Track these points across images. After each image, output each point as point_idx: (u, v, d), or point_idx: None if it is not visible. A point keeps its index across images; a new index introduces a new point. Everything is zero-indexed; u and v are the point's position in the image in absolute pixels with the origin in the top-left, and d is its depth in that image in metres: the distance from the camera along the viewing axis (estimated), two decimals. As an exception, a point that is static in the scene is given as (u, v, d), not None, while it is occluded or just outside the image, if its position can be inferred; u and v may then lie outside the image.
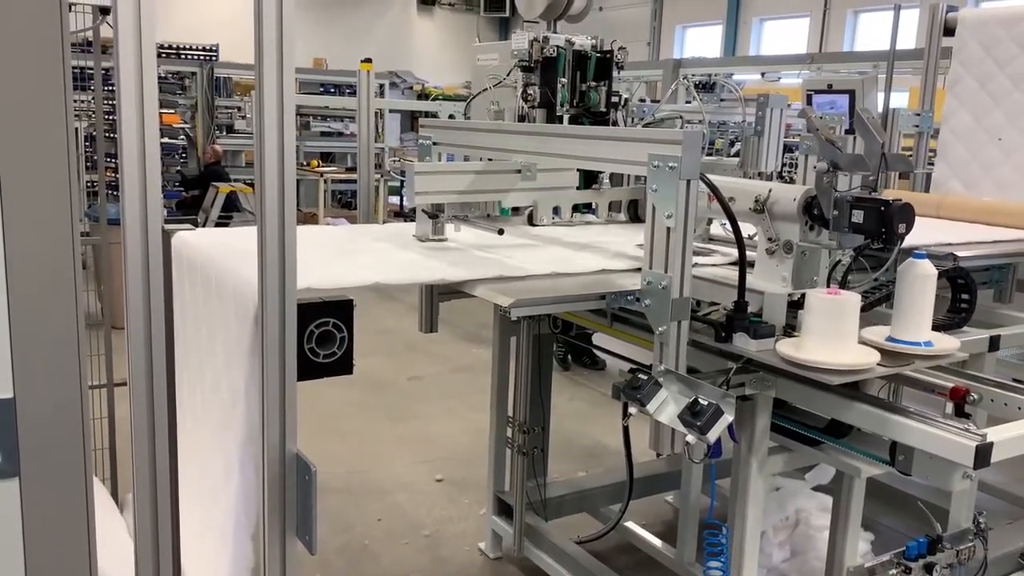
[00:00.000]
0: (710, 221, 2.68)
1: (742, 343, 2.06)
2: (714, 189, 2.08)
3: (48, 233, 1.22)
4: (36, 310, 1.22)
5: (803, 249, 2.14)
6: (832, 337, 1.95)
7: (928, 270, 2.06)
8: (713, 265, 2.46)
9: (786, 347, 1.99)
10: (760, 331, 2.05)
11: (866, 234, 2.01)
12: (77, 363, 1.26)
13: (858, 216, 2.00)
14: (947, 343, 2.10)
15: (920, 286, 2.06)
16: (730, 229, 2.60)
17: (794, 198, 2.12)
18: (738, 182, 2.37)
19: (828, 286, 2.20)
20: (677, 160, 1.89)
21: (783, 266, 2.16)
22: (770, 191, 2.18)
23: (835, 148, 2.07)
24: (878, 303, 2.32)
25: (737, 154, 3.14)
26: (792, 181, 2.56)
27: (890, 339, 2.07)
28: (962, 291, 2.46)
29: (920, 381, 2.20)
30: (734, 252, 2.53)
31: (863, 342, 2.04)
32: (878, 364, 1.96)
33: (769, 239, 2.19)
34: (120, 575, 2.05)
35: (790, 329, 2.11)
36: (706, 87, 7.03)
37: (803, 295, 2.07)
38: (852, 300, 1.97)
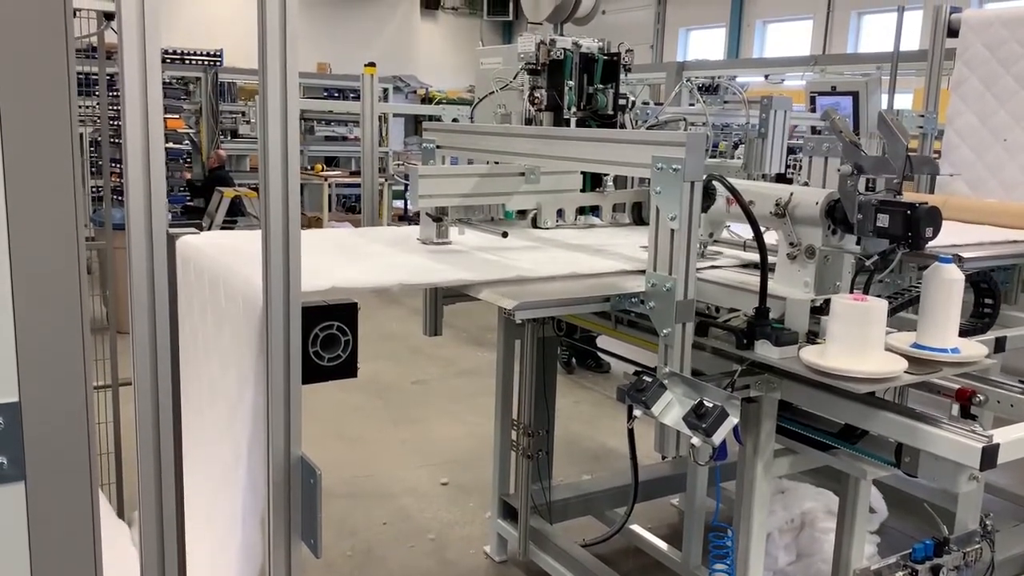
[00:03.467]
0: (728, 226, 2.64)
1: (764, 350, 2.02)
2: (735, 192, 2.05)
3: (53, 237, 1.22)
4: (41, 314, 1.23)
5: (825, 254, 2.09)
6: (858, 344, 1.89)
7: (955, 274, 1.99)
8: (713, 266, 2.45)
9: (810, 354, 1.94)
10: (783, 338, 2.00)
11: (892, 238, 1.96)
12: (82, 367, 1.27)
13: (883, 220, 1.94)
14: (974, 349, 2.03)
15: (947, 291, 1.99)
16: (735, 232, 2.59)
17: (816, 202, 2.07)
18: (757, 185, 2.33)
19: (852, 291, 2.15)
20: (681, 162, 1.88)
21: (805, 271, 2.12)
22: (791, 195, 2.13)
23: (859, 150, 2.04)
24: (901, 308, 2.27)
25: (741, 156, 3.13)
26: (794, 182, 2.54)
27: (916, 345, 2.00)
28: (985, 296, 2.42)
29: (926, 383, 2.18)
30: (740, 254, 2.53)
31: (888, 349, 1.98)
32: (905, 372, 1.90)
33: (791, 244, 2.14)
34: None
35: (812, 336, 2.07)
36: (709, 90, 7.02)
37: (825, 301, 2.02)
38: (878, 306, 1.91)
